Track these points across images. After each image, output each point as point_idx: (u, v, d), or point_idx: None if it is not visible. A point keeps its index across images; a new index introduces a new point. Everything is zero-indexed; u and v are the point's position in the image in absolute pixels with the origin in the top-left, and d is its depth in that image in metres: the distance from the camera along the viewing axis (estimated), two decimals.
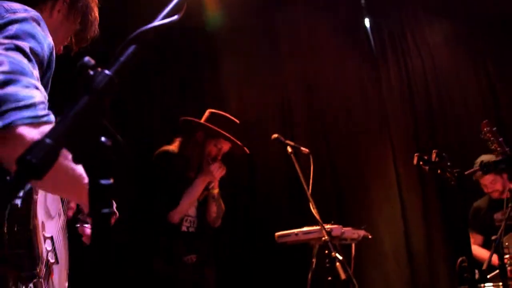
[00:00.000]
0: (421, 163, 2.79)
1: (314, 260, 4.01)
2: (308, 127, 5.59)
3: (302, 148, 4.02)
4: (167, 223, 3.47)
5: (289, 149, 3.87)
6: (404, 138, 5.77)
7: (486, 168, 2.88)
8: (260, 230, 4.81)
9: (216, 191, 3.67)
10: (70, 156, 1.25)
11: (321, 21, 5.93)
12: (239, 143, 3.70)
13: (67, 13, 1.68)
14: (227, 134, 3.57)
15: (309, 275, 3.98)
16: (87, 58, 0.82)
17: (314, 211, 3.60)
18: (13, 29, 1.32)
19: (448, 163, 2.80)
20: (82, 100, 0.78)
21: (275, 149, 4.56)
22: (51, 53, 1.42)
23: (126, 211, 3.95)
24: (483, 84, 6.20)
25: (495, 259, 3.79)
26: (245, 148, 3.78)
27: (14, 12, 1.38)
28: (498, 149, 3.00)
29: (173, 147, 3.63)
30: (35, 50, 1.34)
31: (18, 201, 1.39)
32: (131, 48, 0.87)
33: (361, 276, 5.04)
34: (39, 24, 1.41)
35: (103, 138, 0.78)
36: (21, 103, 1.22)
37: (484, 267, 3.64)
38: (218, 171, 3.56)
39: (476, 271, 4.17)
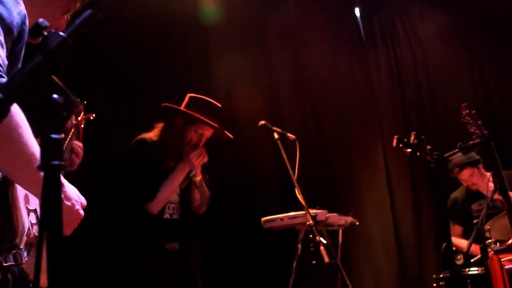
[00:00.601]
0: (400, 145, 2.82)
1: (299, 245, 4.04)
2: (298, 117, 5.62)
3: (289, 134, 4.05)
4: (146, 213, 3.34)
5: (276, 136, 3.90)
6: (394, 127, 5.81)
7: (465, 149, 2.92)
8: (249, 217, 4.85)
9: (198, 178, 3.53)
10: (26, 137, 1.26)
11: (310, 11, 5.95)
12: (219, 127, 3.54)
13: None
14: (206, 120, 3.42)
15: (295, 261, 4.01)
16: (41, 20, 0.85)
17: (299, 196, 3.63)
18: None
19: (428, 146, 2.83)
20: (35, 59, 0.82)
21: (264, 138, 4.59)
22: (23, 22, 1.37)
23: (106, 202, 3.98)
24: (476, 78, 6.22)
25: (476, 249, 3.85)
26: (227, 133, 3.64)
27: None
28: (477, 131, 3.04)
29: (152, 134, 3.48)
30: (1, 14, 1.30)
31: None
32: (87, 12, 0.90)
33: (349, 263, 5.09)
34: None
35: (55, 95, 0.82)
36: None
37: (465, 250, 3.70)
38: (198, 159, 3.41)
39: (461, 256, 4.24)
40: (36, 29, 0.84)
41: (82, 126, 2.29)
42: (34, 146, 1.29)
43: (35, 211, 1.52)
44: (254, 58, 5.60)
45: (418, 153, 2.77)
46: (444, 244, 3.70)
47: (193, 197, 3.56)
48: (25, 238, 1.41)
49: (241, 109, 5.33)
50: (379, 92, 5.97)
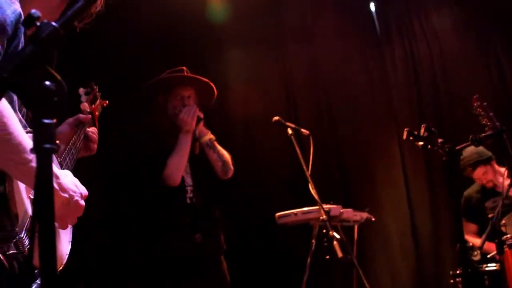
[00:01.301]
0: (411, 138, 2.83)
1: (313, 241, 4.05)
2: (313, 111, 5.62)
3: (303, 130, 4.08)
4: (167, 191, 3.26)
5: (290, 131, 3.93)
6: (410, 123, 5.76)
7: (477, 141, 2.91)
8: (263, 212, 4.87)
9: (206, 137, 3.44)
10: (12, 128, 1.29)
11: (326, 7, 5.95)
12: (189, 76, 3.48)
13: None
14: (178, 75, 3.43)
15: (309, 257, 4.01)
16: (33, 10, 0.89)
17: (313, 191, 3.65)
18: None
19: (439, 139, 2.82)
20: (27, 48, 0.86)
21: (278, 134, 4.61)
22: (17, 21, 1.39)
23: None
24: (493, 71, 6.15)
25: (490, 246, 3.80)
26: (207, 80, 3.55)
27: None
28: (489, 123, 3.03)
29: (144, 125, 3.53)
30: None
31: None
32: (79, 3, 0.94)
33: (365, 259, 5.09)
34: None
35: (47, 82, 0.85)
36: None
37: (479, 244, 3.67)
38: (189, 115, 3.30)
39: (478, 252, 4.21)
40: (29, 19, 0.88)
41: (97, 113, 2.32)
42: (20, 136, 1.31)
43: None
44: (269, 54, 5.62)
45: (429, 146, 2.77)
46: (458, 245, 3.68)
47: (212, 160, 3.45)
48: (26, 226, 1.43)
49: (256, 105, 5.36)
50: (395, 87, 5.95)
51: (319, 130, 5.36)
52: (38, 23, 0.88)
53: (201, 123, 3.42)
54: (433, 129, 2.80)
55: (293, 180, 5.02)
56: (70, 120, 2.06)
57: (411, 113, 5.87)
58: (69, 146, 1.88)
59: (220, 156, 3.46)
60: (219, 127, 3.92)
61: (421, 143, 2.89)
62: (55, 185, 1.41)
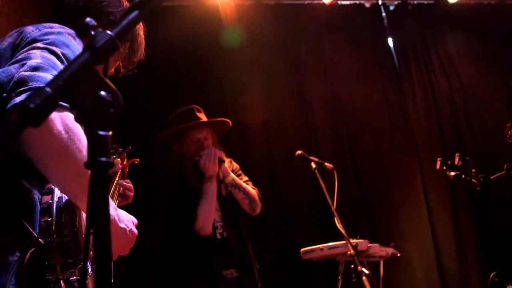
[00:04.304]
0: (444, 168, 2.75)
1: (340, 278, 3.92)
2: (334, 146, 5.57)
3: (326, 164, 4.02)
4: (199, 236, 3.25)
5: (313, 165, 3.88)
6: (432, 155, 5.67)
7: None
8: (287, 248, 4.78)
9: (229, 178, 3.39)
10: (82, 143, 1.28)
11: (344, 41, 5.98)
12: (203, 121, 3.46)
13: None
14: (187, 124, 3.39)
15: None
16: (88, 19, 0.85)
17: (339, 225, 3.57)
18: (49, 38, 1.45)
19: (473, 169, 2.75)
20: (83, 56, 0.81)
21: (300, 167, 4.56)
22: None
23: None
24: None
25: None
26: (219, 120, 3.56)
27: (51, 27, 1.53)
28: None
29: (163, 172, 3.54)
30: (67, 56, 1.43)
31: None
32: (133, 14, 0.90)
33: None
34: (74, 39, 1.53)
35: (102, 92, 0.80)
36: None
37: None
38: (209, 160, 3.28)
39: (511, 286, 4.05)
40: (85, 28, 0.84)
41: (127, 170, 2.47)
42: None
43: None
44: (289, 88, 5.62)
45: (463, 176, 2.69)
46: (492, 274, 3.56)
47: (238, 199, 3.43)
48: (90, 254, 1.49)
49: (277, 139, 5.33)
50: (415, 120, 5.89)
51: (340, 164, 5.28)
52: (93, 32, 0.83)
53: (223, 164, 3.38)
54: (467, 158, 2.72)
55: (317, 214, 4.95)
56: None
57: (433, 146, 5.79)
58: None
59: (246, 193, 3.44)
60: (242, 161, 3.88)
61: (453, 173, 2.81)
62: (115, 217, 1.48)
